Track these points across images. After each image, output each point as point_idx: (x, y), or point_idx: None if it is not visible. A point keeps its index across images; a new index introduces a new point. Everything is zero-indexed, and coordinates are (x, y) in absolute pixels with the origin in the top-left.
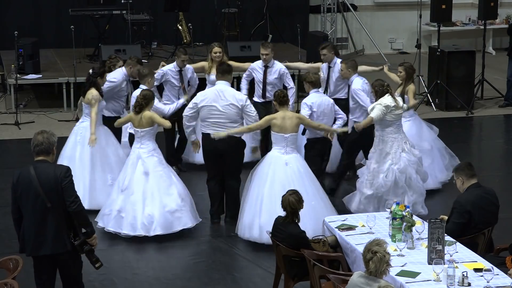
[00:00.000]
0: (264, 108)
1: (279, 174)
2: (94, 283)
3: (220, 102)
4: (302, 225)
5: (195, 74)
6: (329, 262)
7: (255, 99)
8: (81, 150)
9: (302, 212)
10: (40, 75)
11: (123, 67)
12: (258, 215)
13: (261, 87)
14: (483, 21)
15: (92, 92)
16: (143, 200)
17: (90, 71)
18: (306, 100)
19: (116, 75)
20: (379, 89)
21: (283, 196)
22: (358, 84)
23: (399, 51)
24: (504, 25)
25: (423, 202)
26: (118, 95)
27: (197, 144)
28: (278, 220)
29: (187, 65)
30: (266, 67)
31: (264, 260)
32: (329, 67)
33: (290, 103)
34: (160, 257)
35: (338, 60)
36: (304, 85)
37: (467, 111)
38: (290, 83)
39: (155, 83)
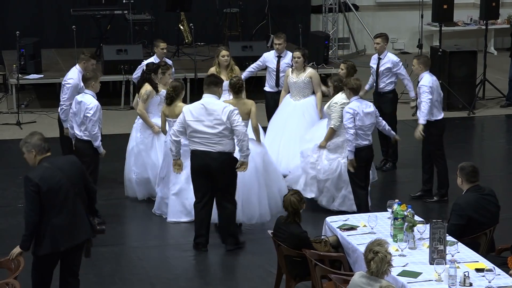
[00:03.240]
0: (275, 98)
1: None
2: (96, 282)
3: (207, 117)
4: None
5: (173, 68)
6: (330, 262)
7: (267, 88)
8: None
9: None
10: (42, 75)
11: (77, 65)
12: None
13: (275, 76)
14: (484, 21)
15: (146, 87)
16: (180, 190)
17: (144, 67)
18: (347, 108)
19: (72, 75)
20: (338, 85)
21: (284, 196)
22: (426, 81)
23: (400, 51)
24: (506, 25)
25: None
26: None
27: (180, 165)
28: (280, 220)
29: (167, 59)
30: (279, 57)
31: (265, 260)
32: (379, 59)
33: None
34: (161, 257)
35: (390, 54)
36: (344, 91)
37: (468, 111)
38: None
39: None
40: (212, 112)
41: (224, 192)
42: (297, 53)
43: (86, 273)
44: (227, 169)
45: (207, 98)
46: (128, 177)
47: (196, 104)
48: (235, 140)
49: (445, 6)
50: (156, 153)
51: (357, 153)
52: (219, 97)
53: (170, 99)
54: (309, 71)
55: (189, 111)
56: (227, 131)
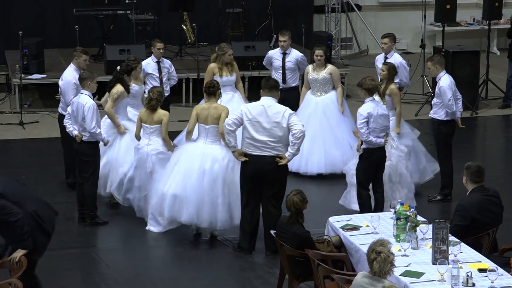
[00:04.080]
0: (280, 94)
1: (185, 156)
2: (98, 283)
3: (265, 119)
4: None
5: (173, 67)
6: (333, 262)
7: None
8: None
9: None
10: (45, 75)
11: (71, 63)
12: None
13: (281, 73)
14: (487, 21)
15: (118, 88)
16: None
17: (118, 67)
18: (361, 110)
19: (66, 73)
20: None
21: (287, 196)
22: (446, 82)
23: (403, 51)
24: (509, 25)
25: (413, 198)
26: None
27: (242, 153)
28: (282, 220)
29: (165, 59)
30: (284, 54)
31: (268, 260)
32: (386, 58)
33: None
34: (163, 257)
35: (396, 54)
36: (359, 91)
37: (471, 111)
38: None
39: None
40: (271, 114)
41: (272, 198)
42: (320, 51)
43: (88, 273)
44: (279, 174)
45: (267, 100)
46: None
47: (256, 104)
48: (291, 138)
49: (448, 6)
50: (113, 152)
51: (370, 154)
52: (277, 100)
53: (156, 105)
54: (329, 67)
55: (248, 110)
56: (282, 134)
